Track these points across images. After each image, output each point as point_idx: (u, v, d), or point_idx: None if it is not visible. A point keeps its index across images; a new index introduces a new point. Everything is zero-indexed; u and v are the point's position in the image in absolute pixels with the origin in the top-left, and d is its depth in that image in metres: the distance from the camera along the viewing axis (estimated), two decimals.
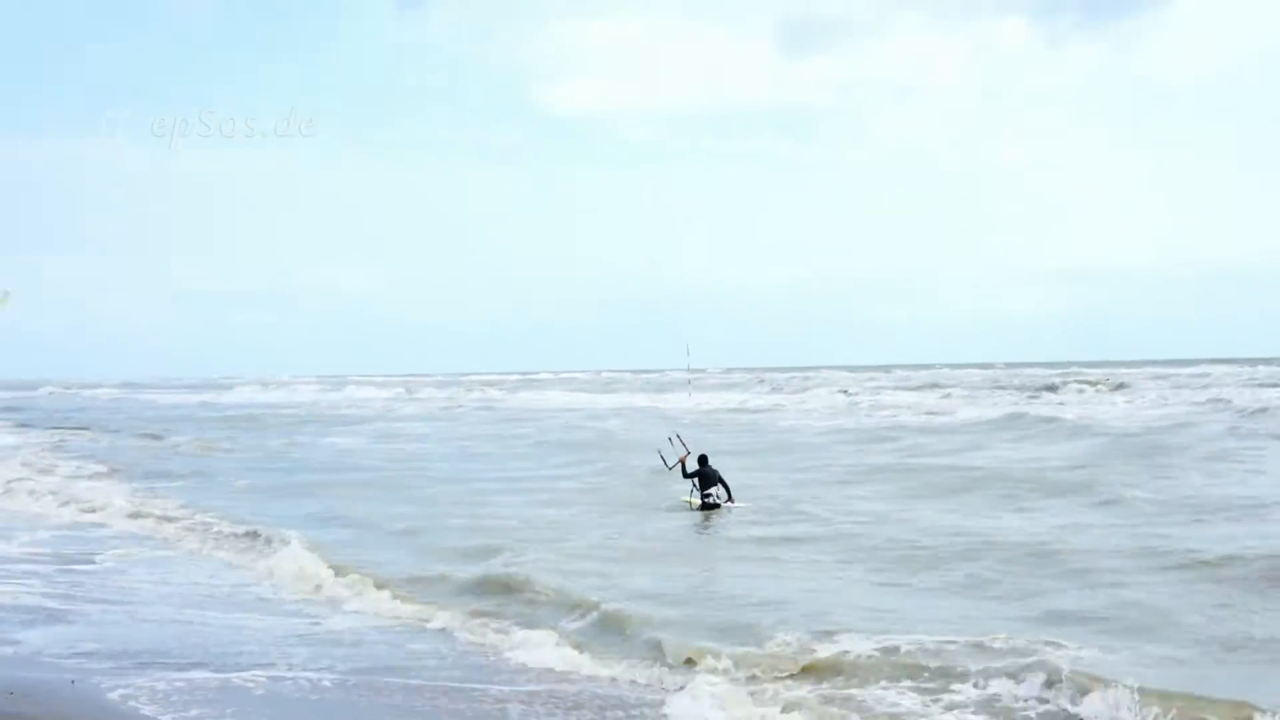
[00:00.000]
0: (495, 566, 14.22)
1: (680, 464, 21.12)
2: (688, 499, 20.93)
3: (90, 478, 27.23)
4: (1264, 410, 35.38)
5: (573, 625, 11.55)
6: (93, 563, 15.71)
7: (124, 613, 12.48)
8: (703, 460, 20.87)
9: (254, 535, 17.31)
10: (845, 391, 64.13)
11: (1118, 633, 10.56)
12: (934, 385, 66.29)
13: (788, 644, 10.18)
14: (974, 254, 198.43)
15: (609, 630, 11.23)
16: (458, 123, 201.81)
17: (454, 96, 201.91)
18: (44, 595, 13.30)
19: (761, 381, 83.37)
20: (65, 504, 21.99)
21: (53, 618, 12.12)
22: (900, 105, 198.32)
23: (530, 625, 11.47)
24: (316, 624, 12.02)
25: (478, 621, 11.88)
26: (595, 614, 11.72)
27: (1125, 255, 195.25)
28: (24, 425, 50.49)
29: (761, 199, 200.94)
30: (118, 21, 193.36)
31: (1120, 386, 54.94)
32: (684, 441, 21.88)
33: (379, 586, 13.58)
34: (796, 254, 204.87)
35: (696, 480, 20.60)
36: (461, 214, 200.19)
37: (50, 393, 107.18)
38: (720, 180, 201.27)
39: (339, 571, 14.43)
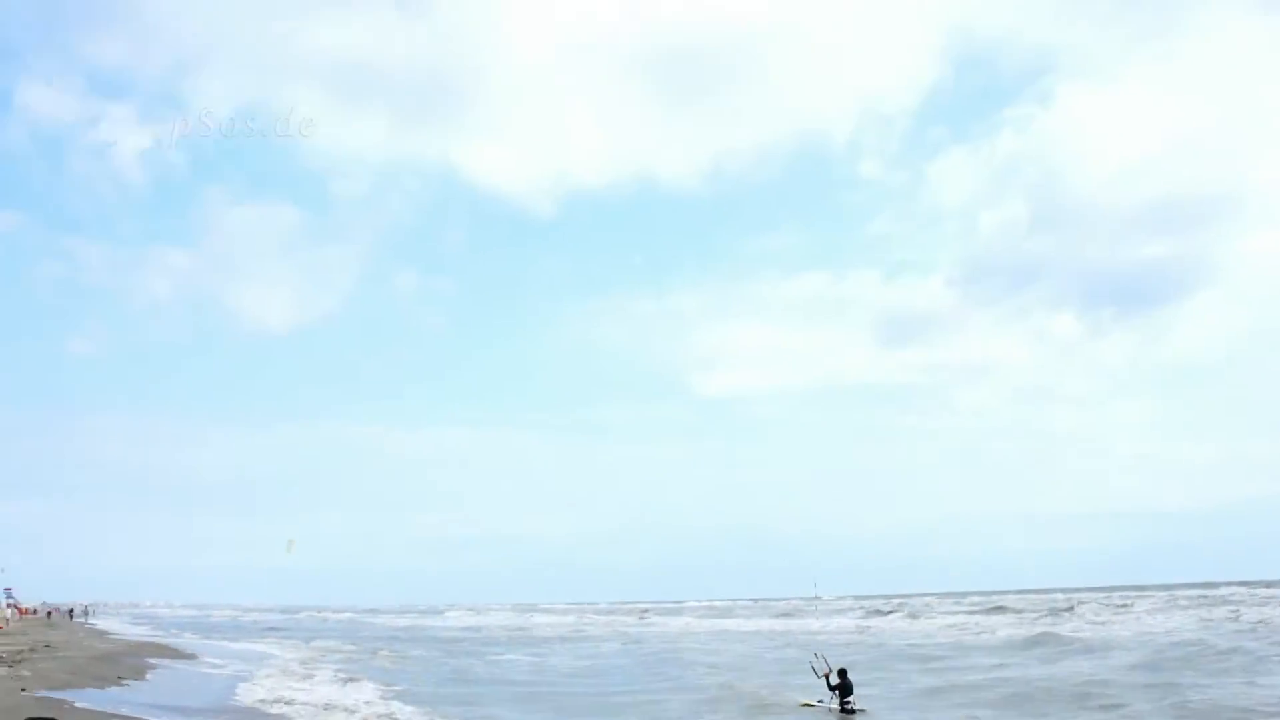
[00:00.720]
0: None
1: (825, 677, 22.13)
2: (806, 702, 21.99)
3: (344, 683, 28.17)
4: (1264, 622, 34.27)
5: None
6: None
7: None
8: (842, 673, 21.89)
9: None
10: (915, 615, 63.64)
11: None
12: (1000, 609, 64.70)
13: None
14: (1034, 500, 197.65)
15: None
16: (629, 405, 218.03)
17: (626, 384, 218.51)
18: None
19: (861, 608, 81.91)
20: (352, 712, 22.14)
21: None
22: (975, 382, 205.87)
23: None
24: None
25: None
26: None
27: (1159, 498, 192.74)
28: (290, 640, 53.14)
29: (864, 459, 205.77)
30: (373, 337, 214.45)
31: (1157, 608, 53.01)
32: (826, 659, 22.78)
33: None
34: (893, 502, 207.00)
35: (838, 690, 21.63)
36: (632, 475, 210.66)
37: (308, 616, 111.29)
38: (832, 444, 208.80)
39: None
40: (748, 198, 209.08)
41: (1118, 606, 55.53)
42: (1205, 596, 59.69)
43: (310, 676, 30.83)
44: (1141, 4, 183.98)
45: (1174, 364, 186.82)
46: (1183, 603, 54.43)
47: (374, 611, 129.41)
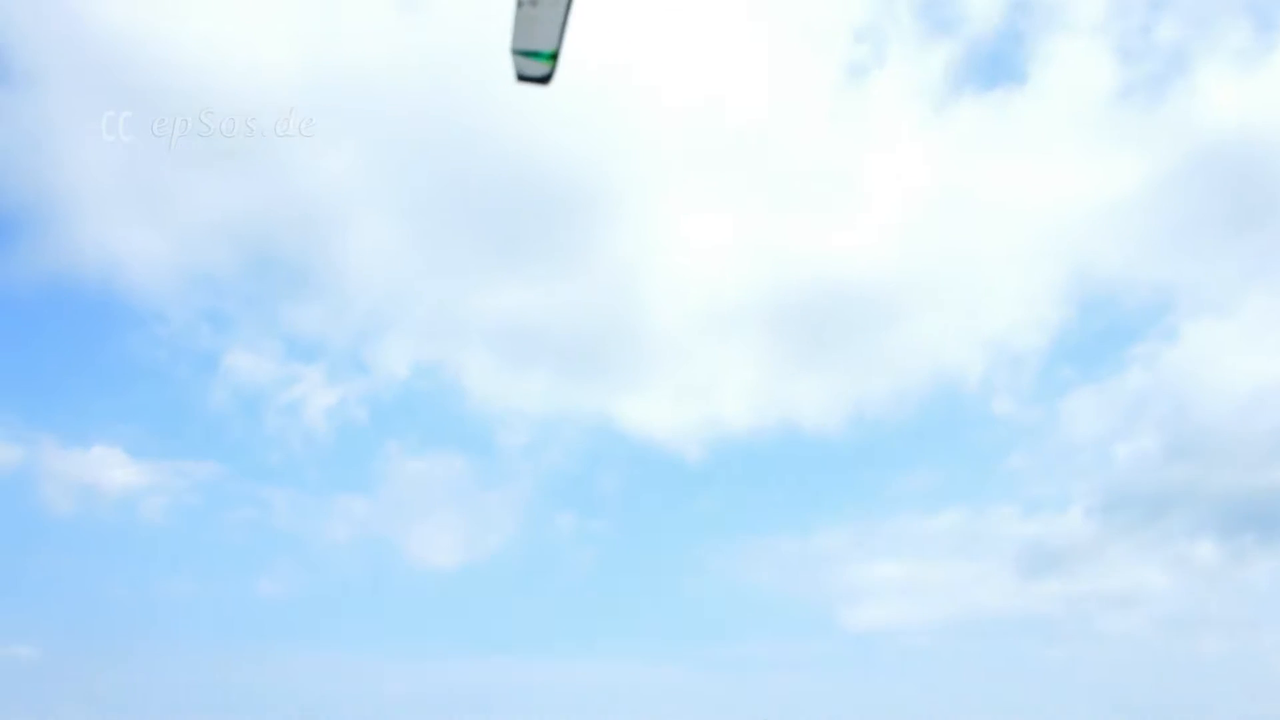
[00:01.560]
0: None
1: None
2: None
3: None
4: None
5: None
6: None
7: None
8: None
9: None
10: None
11: None
12: None
13: None
14: None
15: None
16: (775, 640, 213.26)
17: (772, 620, 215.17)
18: None
19: None
20: None
21: None
22: (1120, 611, 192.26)
23: None
24: None
25: None
26: None
27: None
28: None
29: (1010, 689, 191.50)
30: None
31: None
32: None
33: None
34: None
35: None
36: (778, 707, 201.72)
37: None
38: (978, 674, 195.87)
39: None
40: (886, 439, 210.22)
41: None
42: None
43: None
44: (1248, 237, 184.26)
45: None
46: None
47: None
